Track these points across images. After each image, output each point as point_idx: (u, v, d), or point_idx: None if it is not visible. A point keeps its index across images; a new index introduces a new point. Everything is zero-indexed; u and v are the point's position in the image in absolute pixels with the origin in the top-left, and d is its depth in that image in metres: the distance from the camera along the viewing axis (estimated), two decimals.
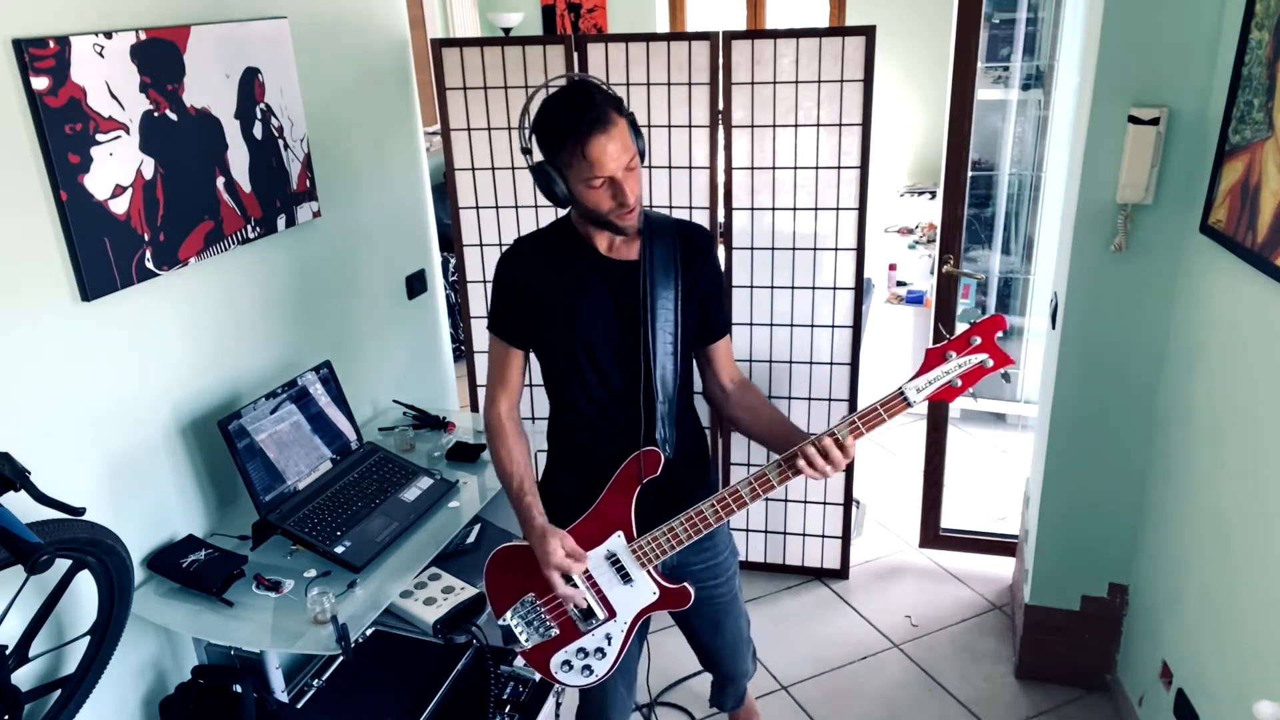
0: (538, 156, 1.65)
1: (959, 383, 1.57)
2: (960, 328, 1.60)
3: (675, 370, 1.74)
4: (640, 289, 1.70)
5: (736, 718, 2.40)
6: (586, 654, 1.80)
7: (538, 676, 2.50)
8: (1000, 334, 1.57)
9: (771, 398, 2.98)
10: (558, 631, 1.79)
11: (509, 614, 1.80)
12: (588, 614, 1.76)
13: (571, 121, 1.55)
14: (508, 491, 1.76)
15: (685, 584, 1.78)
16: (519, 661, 2.56)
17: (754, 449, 3.06)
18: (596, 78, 1.65)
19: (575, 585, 1.72)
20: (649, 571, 1.75)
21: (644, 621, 1.84)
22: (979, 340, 1.55)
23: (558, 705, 2.51)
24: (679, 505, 1.74)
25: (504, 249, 1.79)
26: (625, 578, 1.75)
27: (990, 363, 1.56)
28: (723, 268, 2.89)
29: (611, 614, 1.77)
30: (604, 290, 1.72)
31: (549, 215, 2.91)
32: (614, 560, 1.74)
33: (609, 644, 1.79)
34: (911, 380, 1.58)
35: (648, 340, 1.70)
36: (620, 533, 1.73)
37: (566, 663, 1.81)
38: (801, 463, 1.62)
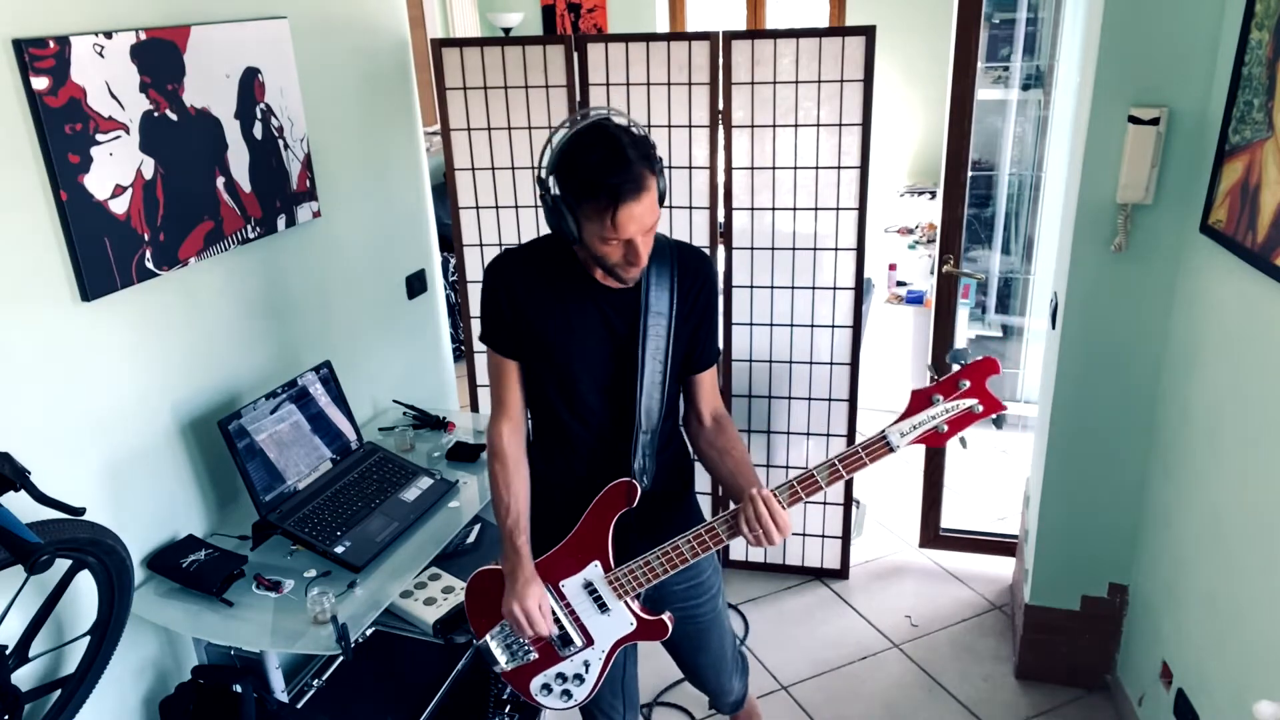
0: (553, 189, 1.53)
1: (945, 428, 1.50)
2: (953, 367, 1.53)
3: (662, 400, 1.69)
4: (636, 320, 1.65)
5: (738, 719, 2.40)
6: (565, 679, 1.78)
7: None
8: (993, 378, 1.49)
9: (771, 398, 2.98)
10: (536, 655, 1.77)
11: (488, 636, 1.79)
12: (565, 640, 1.74)
13: (606, 185, 1.44)
14: (500, 523, 1.71)
15: (663, 616, 1.73)
16: None
17: (767, 440, 3.06)
18: (622, 114, 1.53)
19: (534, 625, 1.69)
20: (626, 602, 1.71)
21: (627, 646, 1.82)
22: (968, 384, 1.48)
23: None
24: (660, 535, 1.69)
25: (493, 258, 1.71)
26: (603, 607, 1.71)
27: (980, 408, 1.49)
28: (722, 269, 2.90)
29: (589, 642, 1.74)
30: (597, 319, 1.66)
31: None
32: (591, 590, 1.70)
33: (587, 670, 1.77)
34: (895, 424, 1.51)
35: (640, 371, 1.66)
36: (597, 562, 1.69)
37: (546, 686, 1.79)
38: (742, 525, 1.55)
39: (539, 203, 1.58)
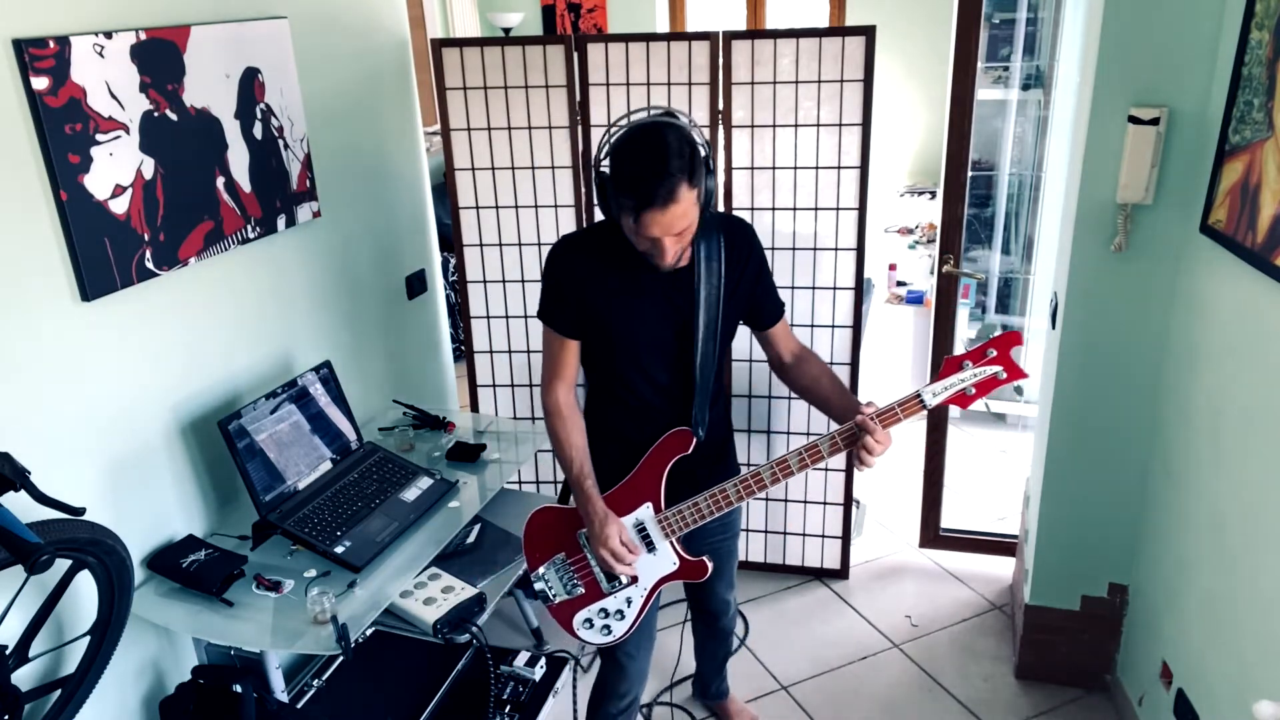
0: (605, 169, 1.68)
1: (973, 390, 1.71)
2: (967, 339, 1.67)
3: (713, 361, 1.84)
4: (692, 295, 1.79)
5: (723, 709, 2.42)
6: (607, 614, 1.91)
7: (537, 675, 2.52)
8: (1016, 349, 1.69)
9: (772, 397, 2.98)
10: (583, 590, 1.90)
11: (541, 569, 1.91)
12: (611, 577, 1.87)
13: (636, 192, 1.56)
14: (567, 474, 1.86)
15: (704, 558, 1.88)
16: (520, 660, 2.56)
17: (767, 440, 3.06)
18: (685, 116, 1.65)
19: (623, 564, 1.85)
20: (671, 542, 1.86)
21: (658, 592, 1.93)
22: (994, 353, 1.69)
23: (575, 680, 2.51)
24: (701, 481, 1.84)
25: (553, 245, 1.84)
26: (650, 546, 1.86)
27: (1004, 375, 1.69)
28: None
29: (634, 579, 1.88)
30: (657, 298, 1.79)
31: (549, 216, 2.91)
32: (641, 529, 1.85)
33: (629, 606, 1.90)
34: (929, 385, 1.72)
35: (695, 340, 1.81)
36: (649, 504, 1.84)
37: (588, 620, 1.92)
38: (867, 438, 1.69)
39: (594, 178, 1.74)
